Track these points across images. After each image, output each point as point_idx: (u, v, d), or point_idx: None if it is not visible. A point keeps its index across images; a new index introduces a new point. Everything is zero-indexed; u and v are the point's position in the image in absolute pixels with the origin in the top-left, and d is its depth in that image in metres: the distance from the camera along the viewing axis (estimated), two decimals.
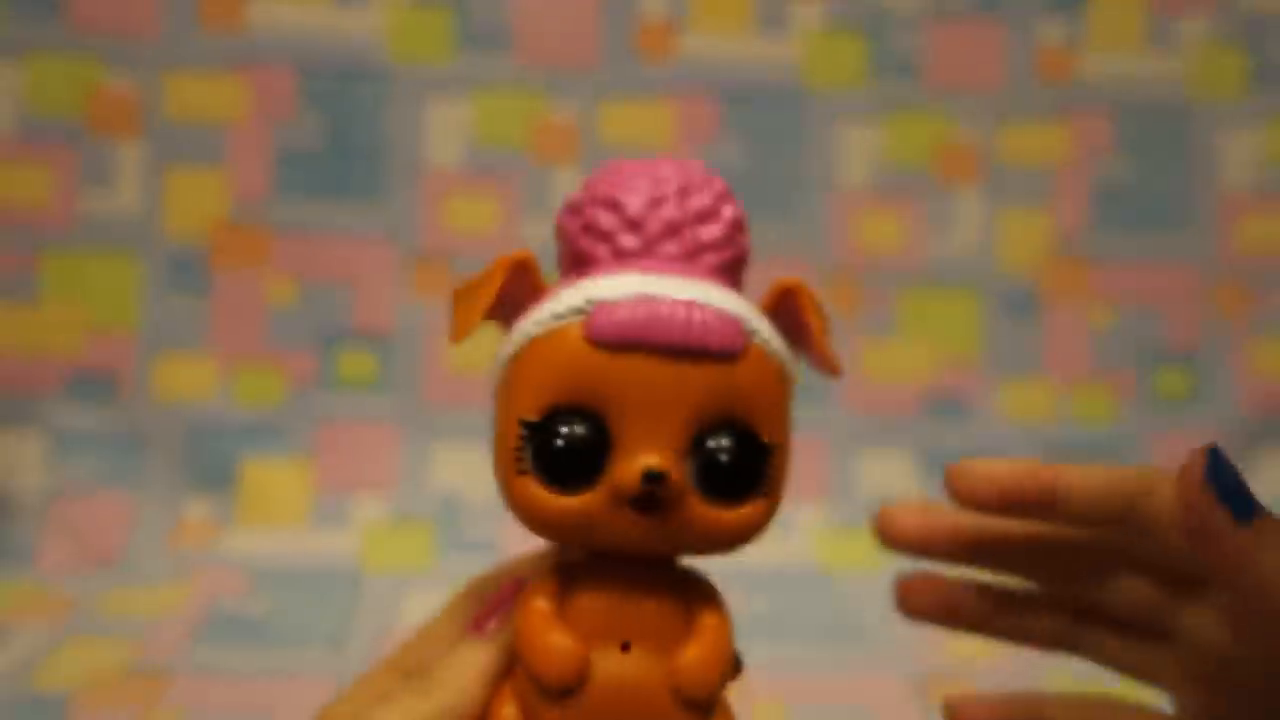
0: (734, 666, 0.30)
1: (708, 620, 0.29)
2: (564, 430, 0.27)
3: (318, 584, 0.74)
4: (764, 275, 0.98)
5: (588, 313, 0.27)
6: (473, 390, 0.80)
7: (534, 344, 0.27)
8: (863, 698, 0.62)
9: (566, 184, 0.84)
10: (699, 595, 0.30)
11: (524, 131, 0.84)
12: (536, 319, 0.28)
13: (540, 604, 0.28)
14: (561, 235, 0.30)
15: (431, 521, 0.78)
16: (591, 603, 0.28)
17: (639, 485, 0.26)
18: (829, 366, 0.30)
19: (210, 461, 0.80)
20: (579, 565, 0.29)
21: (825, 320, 0.30)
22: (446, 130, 0.83)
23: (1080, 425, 0.87)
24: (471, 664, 0.29)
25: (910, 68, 0.87)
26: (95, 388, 0.80)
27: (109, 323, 0.80)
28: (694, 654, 0.29)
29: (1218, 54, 0.88)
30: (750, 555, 0.90)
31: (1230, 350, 0.89)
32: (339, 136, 0.82)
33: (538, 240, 0.88)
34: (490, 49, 0.83)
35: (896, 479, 0.85)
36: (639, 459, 0.26)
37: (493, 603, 0.31)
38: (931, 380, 0.87)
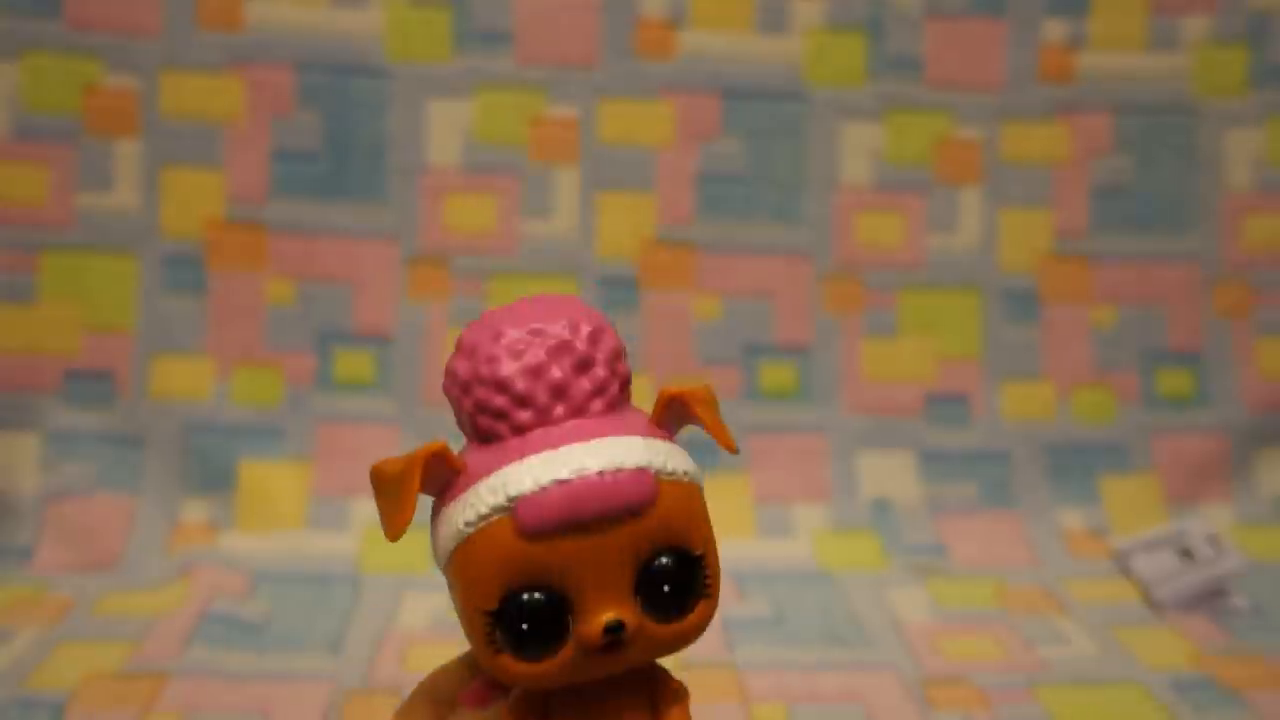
0: None
1: (673, 716, 0.33)
2: (524, 611, 0.30)
3: (316, 586, 0.74)
4: (766, 274, 0.98)
5: (511, 509, 0.30)
6: None
7: (469, 543, 0.31)
8: (863, 698, 0.62)
9: (566, 183, 0.84)
10: (664, 694, 0.33)
11: (523, 130, 0.83)
12: (466, 519, 0.31)
13: (522, 713, 0.32)
14: (456, 407, 0.33)
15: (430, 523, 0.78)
16: (567, 712, 0.32)
17: (602, 639, 0.30)
18: (725, 447, 0.33)
19: (208, 463, 0.80)
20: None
21: (713, 405, 0.33)
22: (445, 129, 0.83)
23: (1081, 426, 0.87)
24: None
25: (911, 66, 0.87)
26: (93, 388, 0.80)
27: (106, 323, 0.80)
28: None
29: (1219, 53, 0.88)
30: (750, 556, 0.90)
31: (1232, 351, 0.89)
32: (337, 136, 0.82)
33: (534, 240, 0.87)
34: (489, 47, 0.83)
35: (897, 479, 0.85)
36: (598, 618, 0.30)
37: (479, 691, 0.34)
38: (932, 380, 0.87)
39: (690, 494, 0.32)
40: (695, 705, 0.62)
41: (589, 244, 0.83)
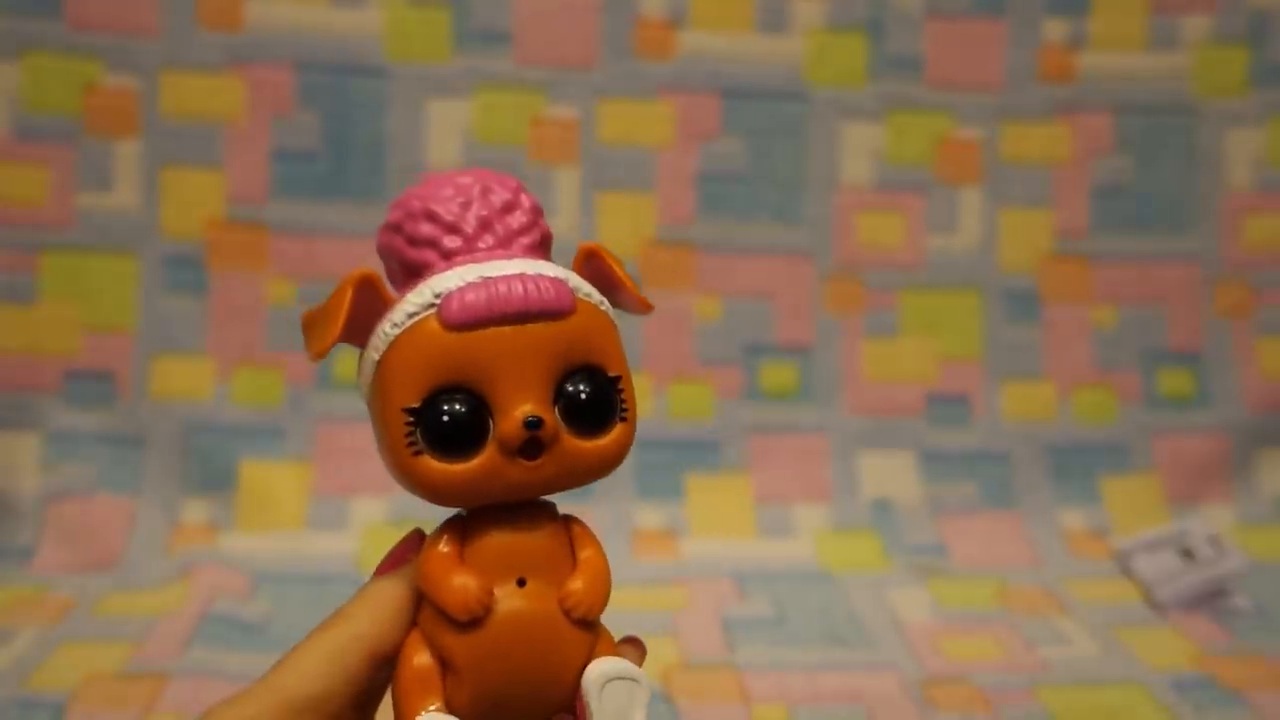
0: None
1: (587, 553, 0.33)
2: (446, 408, 0.31)
3: (316, 586, 0.73)
4: (766, 274, 0.98)
5: (437, 304, 0.31)
6: None
7: (397, 342, 0.32)
8: (864, 698, 0.62)
9: (566, 183, 0.84)
10: (577, 533, 0.34)
11: (523, 130, 0.83)
12: (393, 320, 0.32)
13: (442, 548, 0.33)
14: (389, 254, 0.34)
15: (429, 523, 0.78)
16: (487, 546, 0.32)
17: (522, 432, 0.31)
18: (641, 305, 0.35)
19: (209, 463, 0.80)
20: (470, 516, 0.33)
21: (625, 271, 0.35)
22: (445, 129, 0.83)
23: (1082, 426, 0.87)
24: (378, 595, 0.33)
25: (911, 66, 0.87)
26: (93, 388, 0.80)
27: (106, 323, 0.80)
28: (580, 583, 0.32)
29: (1220, 52, 0.88)
30: (751, 556, 0.90)
31: (1233, 351, 0.89)
32: (337, 136, 0.82)
33: None
34: (489, 48, 0.83)
35: (897, 479, 0.85)
36: (516, 412, 0.31)
37: (397, 554, 0.35)
38: (932, 380, 0.87)
39: (606, 322, 0.34)
40: (696, 705, 0.62)
41: None
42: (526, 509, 0.33)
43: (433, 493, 0.32)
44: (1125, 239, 0.89)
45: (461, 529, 0.33)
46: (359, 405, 0.35)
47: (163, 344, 0.81)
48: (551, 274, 0.32)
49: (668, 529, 0.81)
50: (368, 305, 0.32)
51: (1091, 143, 0.88)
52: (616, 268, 0.34)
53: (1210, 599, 0.74)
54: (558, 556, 0.33)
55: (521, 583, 0.32)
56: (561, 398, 0.32)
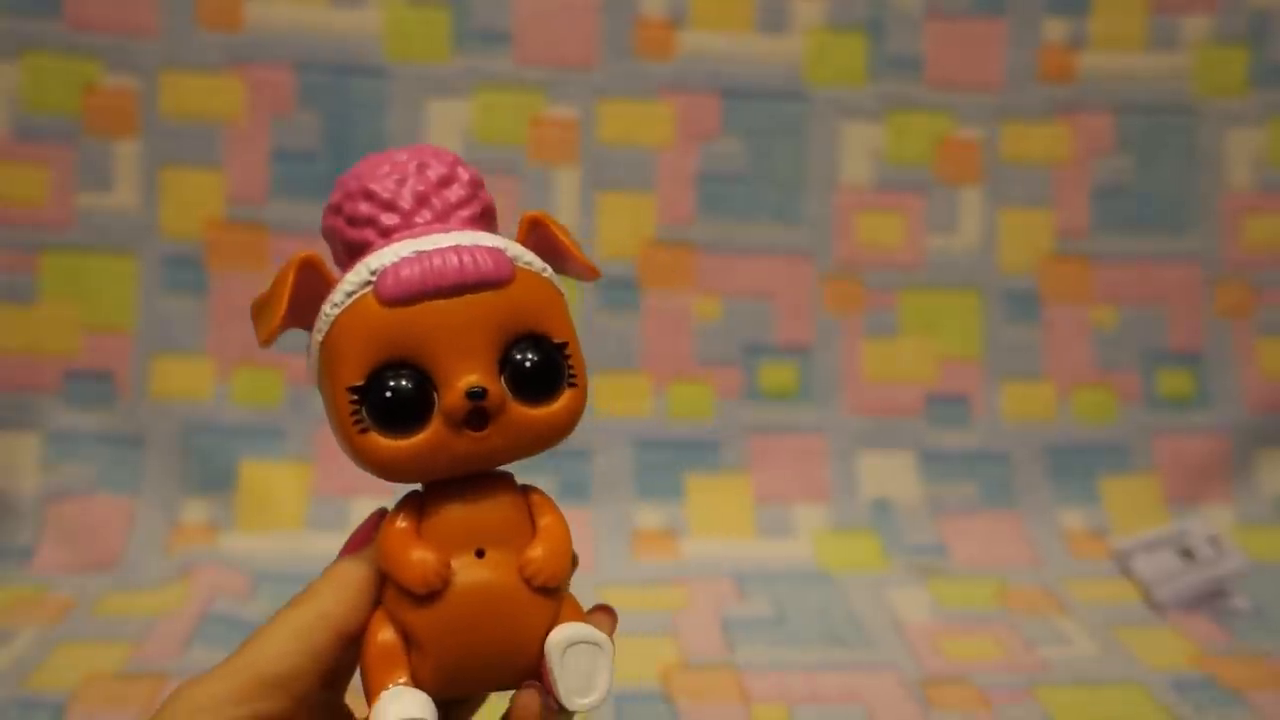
0: (573, 559, 0.34)
1: (546, 520, 0.33)
2: (389, 384, 0.31)
3: None
4: (766, 274, 0.97)
5: (374, 281, 0.32)
6: None
7: (337, 322, 0.32)
8: (863, 698, 0.62)
9: (566, 183, 0.84)
10: (536, 501, 0.34)
11: (523, 130, 0.83)
12: (333, 301, 0.32)
13: (399, 523, 0.32)
14: (331, 236, 0.34)
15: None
16: (445, 519, 0.32)
17: (465, 403, 0.31)
18: (589, 272, 0.35)
19: (208, 463, 0.80)
20: (427, 491, 0.33)
21: (572, 236, 0.35)
22: (445, 129, 0.83)
23: (1082, 426, 0.87)
24: (342, 574, 0.33)
25: (911, 66, 0.87)
26: (93, 388, 0.80)
27: (106, 323, 0.80)
28: (540, 550, 0.32)
29: (1220, 52, 0.88)
30: (751, 556, 0.90)
31: (1233, 351, 0.89)
32: (337, 136, 0.82)
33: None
34: (488, 47, 0.83)
35: (897, 480, 0.85)
36: (460, 384, 0.31)
37: (360, 534, 0.35)
38: (932, 380, 0.87)
39: (549, 288, 0.34)
40: (696, 705, 0.62)
41: (589, 244, 0.83)
42: (483, 480, 0.33)
43: (382, 469, 0.32)
44: (1125, 239, 0.89)
45: (419, 504, 0.33)
46: None
47: (162, 344, 0.81)
48: (489, 244, 0.32)
49: (667, 529, 0.81)
50: (312, 288, 0.33)
51: (1092, 143, 0.88)
52: (562, 235, 0.34)
53: (1210, 599, 0.74)
54: (517, 526, 0.33)
55: (480, 554, 0.32)
56: (507, 366, 0.32)
